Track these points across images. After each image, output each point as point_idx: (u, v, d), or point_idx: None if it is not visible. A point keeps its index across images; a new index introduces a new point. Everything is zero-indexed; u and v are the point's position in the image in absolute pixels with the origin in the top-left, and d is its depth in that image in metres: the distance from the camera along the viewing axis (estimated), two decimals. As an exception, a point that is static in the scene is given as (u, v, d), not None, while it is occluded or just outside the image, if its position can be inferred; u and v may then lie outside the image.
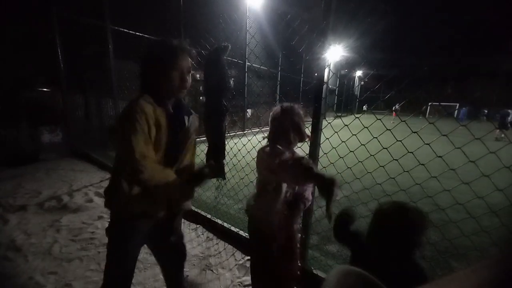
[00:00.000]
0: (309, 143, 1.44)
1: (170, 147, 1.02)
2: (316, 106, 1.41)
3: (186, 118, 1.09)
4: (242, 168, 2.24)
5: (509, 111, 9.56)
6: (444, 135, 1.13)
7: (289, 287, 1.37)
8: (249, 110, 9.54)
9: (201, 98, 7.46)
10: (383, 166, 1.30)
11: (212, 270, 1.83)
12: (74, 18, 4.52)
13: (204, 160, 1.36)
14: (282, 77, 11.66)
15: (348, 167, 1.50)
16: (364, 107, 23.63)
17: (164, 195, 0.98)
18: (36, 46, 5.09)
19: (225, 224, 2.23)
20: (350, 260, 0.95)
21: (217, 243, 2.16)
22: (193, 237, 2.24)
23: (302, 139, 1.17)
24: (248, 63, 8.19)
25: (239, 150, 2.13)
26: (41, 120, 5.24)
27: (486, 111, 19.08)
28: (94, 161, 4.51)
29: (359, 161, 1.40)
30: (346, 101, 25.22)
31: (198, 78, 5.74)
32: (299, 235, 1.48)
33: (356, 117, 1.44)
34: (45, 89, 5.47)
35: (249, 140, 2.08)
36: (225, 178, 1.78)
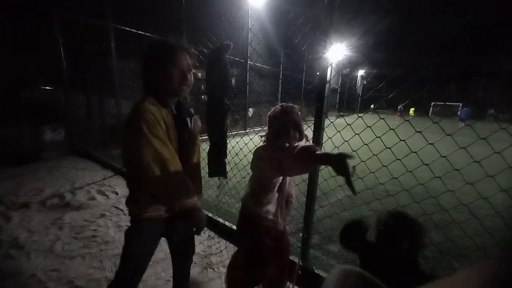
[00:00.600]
0: (310, 142, 1.43)
1: (177, 146, 1.04)
2: (318, 105, 1.41)
3: (188, 119, 1.10)
4: (244, 167, 2.23)
5: None
6: (448, 135, 1.12)
7: (280, 282, 1.38)
8: (250, 109, 9.55)
9: (203, 97, 7.48)
10: (386, 166, 1.29)
11: (213, 269, 1.83)
12: (77, 17, 4.54)
13: (206, 159, 1.37)
14: (284, 76, 11.63)
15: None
16: (372, 106, 23.62)
17: (174, 197, 0.99)
18: (38, 46, 5.12)
19: (227, 223, 2.23)
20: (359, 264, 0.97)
21: (218, 242, 2.16)
22: (194, 236, 2.24)
23: (301, 138, 1.19)
24: (250, 62, 8.19)
25: (240, 149, 2.14)
26: (43, 119, 5.26)
27: (492, 110, 18.65)
28: (96, 159, 4.53)
29: (362, 161, 1.39)
30: (348, 100, 25.15)
31: (200, 77, 5.75)
32: (289, 231, 1.49)
33: (359, 117, 1.43)
34: (47, 88, 5.49)
35: (251, 139, 2.07)
36: (226, 177, 1.79)
